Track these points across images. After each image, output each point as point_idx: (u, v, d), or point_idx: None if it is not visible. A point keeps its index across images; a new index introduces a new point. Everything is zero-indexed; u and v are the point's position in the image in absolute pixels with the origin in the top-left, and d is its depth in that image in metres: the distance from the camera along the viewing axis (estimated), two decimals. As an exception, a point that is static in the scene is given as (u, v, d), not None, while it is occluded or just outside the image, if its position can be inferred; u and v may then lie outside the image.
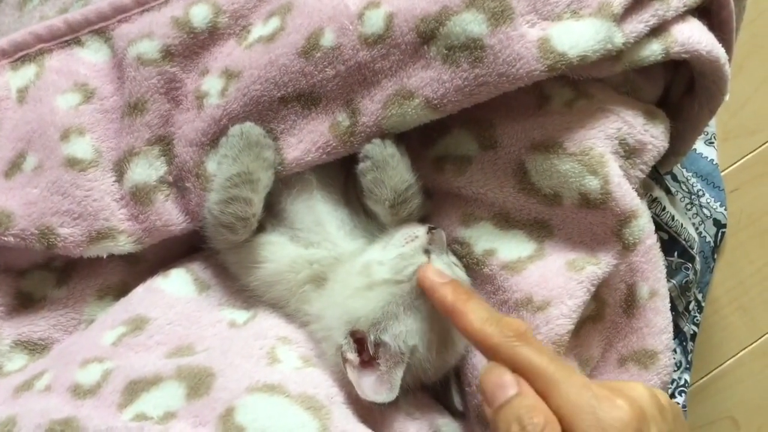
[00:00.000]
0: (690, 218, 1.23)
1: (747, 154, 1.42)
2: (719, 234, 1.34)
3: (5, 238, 0.80)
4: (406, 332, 0.76)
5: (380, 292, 0.77)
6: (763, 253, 1.39)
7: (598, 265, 0.81)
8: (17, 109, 0.85)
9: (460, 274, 0.82)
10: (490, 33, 0.75)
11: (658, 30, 0.80)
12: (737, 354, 1.37)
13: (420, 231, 0.81)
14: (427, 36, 0.77)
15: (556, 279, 0.80)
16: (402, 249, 0.79)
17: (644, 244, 0.82)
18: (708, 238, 1.32)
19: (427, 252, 0.80)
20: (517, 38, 0.75)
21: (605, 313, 0.85)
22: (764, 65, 1.42)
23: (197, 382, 0.73)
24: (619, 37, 0.77)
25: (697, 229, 1.25)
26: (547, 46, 0.75)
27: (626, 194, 0.80)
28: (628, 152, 0.82)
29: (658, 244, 0.85)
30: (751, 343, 1.38)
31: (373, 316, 0.76)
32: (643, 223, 0.81)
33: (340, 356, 0.75)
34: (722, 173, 1.38)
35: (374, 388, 0.74)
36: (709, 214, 1.33)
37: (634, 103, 0.84)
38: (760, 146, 1.42)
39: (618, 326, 0.84)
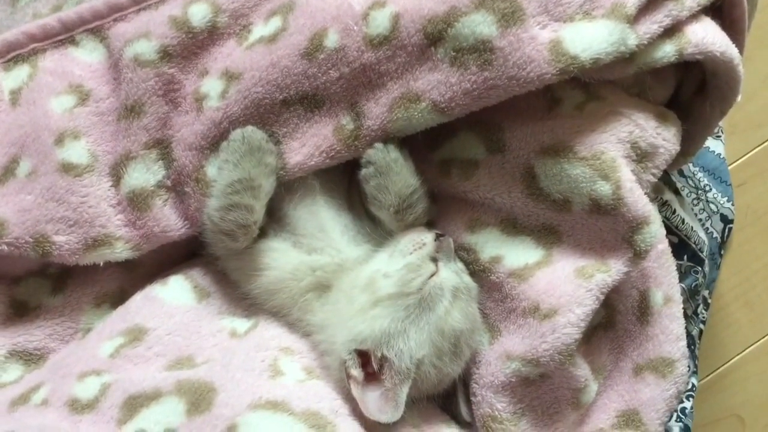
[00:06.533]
0: (697, 214, 1.21)
1: (754, 148, 1.40)
2: (726, 230, 1.32)
3: (-1, 247, 0.78)
4: (412, 347, 0.74)
5: (385, 308, 0.75)
6: (770, 249, 1.38)
7: (608, 273, 0.78)
8: (10, 112, 0.83)
9: (468, 281, 0.80)
10: (500, 35, 0.73)
11: (671, 30, 0.78)
12: (743, 352, 1.36)
13: (428, 238, 0.79)
14: (435, 37, 0.75)
15: (565, 286, 0.78)
16: (409, 258, 0.77)
17: (656, 249, 0.81)
18: (715, 234, 1.30)
19: (434, 260, 0.78)
20: (527, 40, 0.73)
21: (616, 321, 0.83)
22: (772, 58, 1.39)
23: (198, 398, 0.71)
24: (633, 38, 0.74)
25: (703, 224, 1.23)
26: (558, 48, 0.73)
27: (638, 200, 0.77)
28: (640, 156, 0.80)
29: (670, 249, 0.83)
30: (757, 341, 1.36)
31: (378, 335, 0.74)
32: (655, 230, 0.79)
33: (344, 371, 0.74)
34: (729, 167, 1.35)
35: (379, 406, 0.73)
36: (716, 210, 1.31)
37: (645, 105, 0.81)
38: (767, 140, 1.40)
39: (631, 334, 0.83)
